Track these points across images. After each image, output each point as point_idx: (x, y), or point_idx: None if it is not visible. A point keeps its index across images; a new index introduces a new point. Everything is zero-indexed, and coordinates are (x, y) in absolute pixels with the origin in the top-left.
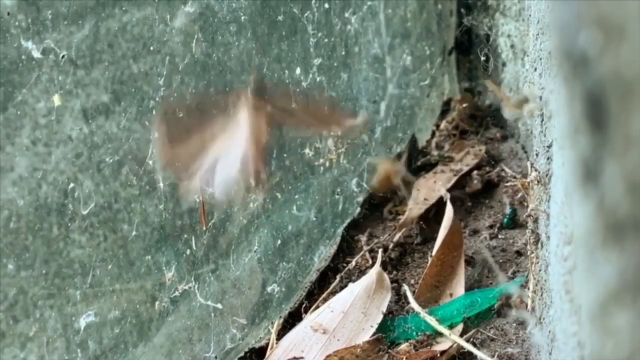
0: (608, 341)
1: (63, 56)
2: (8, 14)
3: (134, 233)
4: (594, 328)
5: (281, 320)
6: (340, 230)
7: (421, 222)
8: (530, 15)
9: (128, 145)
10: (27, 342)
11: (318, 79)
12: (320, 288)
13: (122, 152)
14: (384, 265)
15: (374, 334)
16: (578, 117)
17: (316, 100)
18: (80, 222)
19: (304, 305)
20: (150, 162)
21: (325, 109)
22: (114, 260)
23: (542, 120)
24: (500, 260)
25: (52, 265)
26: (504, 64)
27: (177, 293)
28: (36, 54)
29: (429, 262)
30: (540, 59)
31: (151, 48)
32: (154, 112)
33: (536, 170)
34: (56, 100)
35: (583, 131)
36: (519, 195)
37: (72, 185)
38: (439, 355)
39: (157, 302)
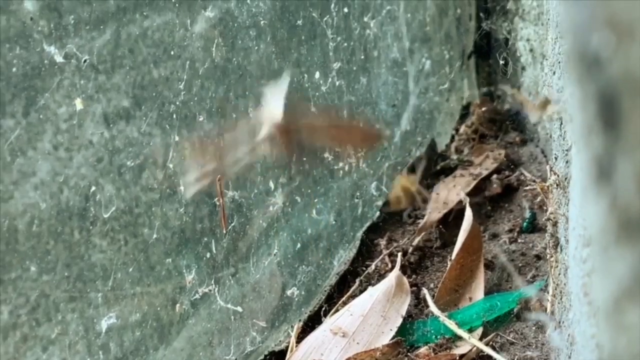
0: (622, 337)
1: (85, 61)
2: (31, 19)
3: (154, 237)
4: (609, 326)
5: (301, 324)
6: (359, 234)
7: (440, 226)
8: (549, 19)
9: (149, 150)
10: (49, 345)
11: (337, 83)
12: (340, 292)
13: (143, 156)
14: (403, 269)
15: (393, 338)
16: (591, 117)
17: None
18: (102, 226)
19: (323, 309)
20: (171, 166)
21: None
22: (135, 263)
23: (561, 123)
24: (520, 264)
25: (74, 268)
26: (523, 68)
27: (197, 296)
28: (58, 59)
29: (449, 265)
30: (559, 62)
31: (172, 53)
32: (174, 117)
33: (555, 173)
34: (78, 103)
35: (596, 131)
36: (539, 199)
37: (93, 189)
38: (458, 358)
39: (177, 305)
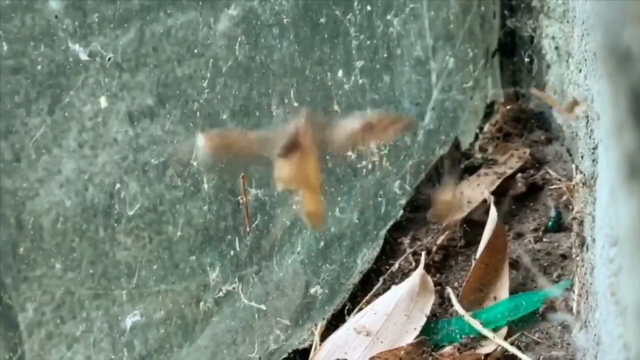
0: None
1: (109, 59)
2: (56, 17)
3: (178, 234)
4: (639, 326)
5: (324, 322)
6: (383, 233)
7: (465, 225)
8: (575, 17)
9: (173, 148)
10: (73, 342)
11: (360, 81)
12: (364, 290)
13: (167, 154)
14: (427, 268)
15: (417, 337)
16: (623, 113)
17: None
18: (126, 223)
19: (347, 308)
20: (195, 164)
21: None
22: (159, 261)
23: (588, 122)
24: (545, 264)
25: (98, 266)
26: (548, 66)
27: (221, 294)
28: (83, 57)
29: (473, 265)
30: (586, 60)
31: (195, 51)
32: (198, 115)
33: (581, 172)
34: (103, 101)
35: (628, 127)
36: (564, 198)
37: (117, 187)
38: (483, 358)
39: (201, 303)
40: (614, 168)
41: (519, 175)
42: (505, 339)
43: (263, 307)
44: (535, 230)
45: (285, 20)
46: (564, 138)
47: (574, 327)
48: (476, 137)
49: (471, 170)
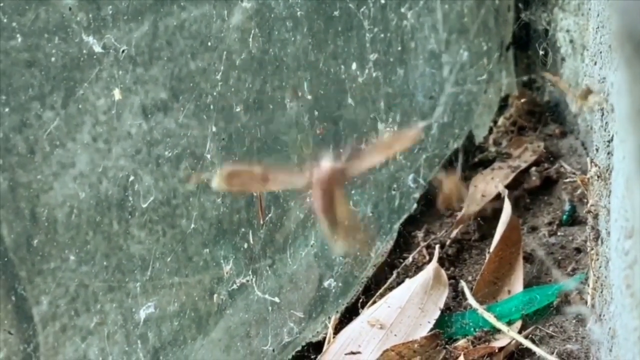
0: None
1: (123, 51)
2: (70, 10)
3: (192, 227)
4: None
5: (338, 315)
6: (396, 226)
7: (479, 219)
8: (589, 9)
9: (186, 141)
10: (88, 335)
11: (374, 74)
12: (377, 283)
13: (181, 147)
14: (441, 262)
15: (431, 330)
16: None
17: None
18: (140, 216)
19: (360, 301)
20: (208, 157)
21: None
22: (173, 254)
23: (603, 114)
24: (560, 257)
25: (113, 259)
26: (563, 59)
27: (234, 287)
28: (97, 49)
29: (487, 258)
30: (601, 52)
31: (209, 45)
32: (211, 108)
33: (596, 165)
34: (117, 94)
35: None
36: (579, 191)
37: (131, 180)
38: (497, 351)
39: (215, 296)
40: (630, 159)
41: (534, 169)
42: (520, 332)
43: (277, 299)
44: (550, 223)
45: (298, 13)
46: (579, 131)
47: (588, 320)
48: (490, 131)
49: (485, 163)
